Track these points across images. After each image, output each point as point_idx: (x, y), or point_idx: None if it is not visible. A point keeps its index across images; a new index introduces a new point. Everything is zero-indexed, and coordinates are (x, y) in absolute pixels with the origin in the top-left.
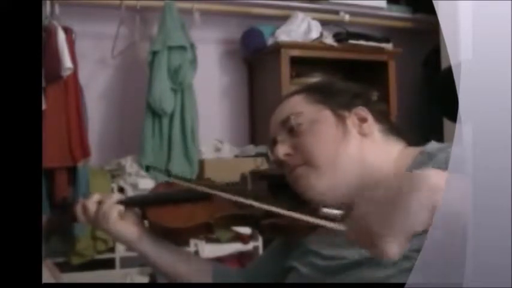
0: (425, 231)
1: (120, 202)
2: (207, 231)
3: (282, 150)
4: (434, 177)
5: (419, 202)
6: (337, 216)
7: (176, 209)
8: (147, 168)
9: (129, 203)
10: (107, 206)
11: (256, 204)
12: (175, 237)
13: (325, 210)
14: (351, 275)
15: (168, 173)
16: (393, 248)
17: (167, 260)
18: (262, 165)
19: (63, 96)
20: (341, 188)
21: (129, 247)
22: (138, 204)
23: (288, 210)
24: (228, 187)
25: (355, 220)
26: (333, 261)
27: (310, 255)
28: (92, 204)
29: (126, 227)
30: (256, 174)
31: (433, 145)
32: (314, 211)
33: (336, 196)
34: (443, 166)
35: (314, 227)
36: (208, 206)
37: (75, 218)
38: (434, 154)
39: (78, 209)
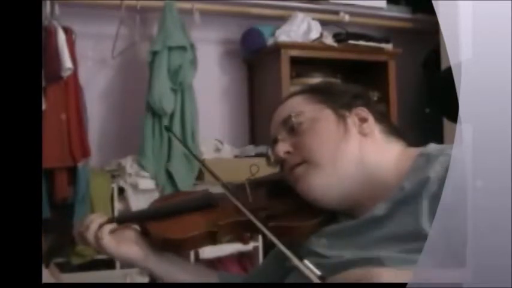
0: None
1: (115, 219)
2: (211, 240)
3: (283, 148)
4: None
5: None
6: (315, 275)
7: (178, 220)
8: (166, 128)
9: (125, 220)
10: (93, 231)
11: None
12: (180, 249)
13: (307, 264)
14: None
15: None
16: None
17: (174, 273)
18: (260, 168)
19: (63, 96)
20: (341, 186)
21: (136, 266)
22: (136, 220)
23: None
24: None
25: None
26: (333, 260)
27: (311, 255)
28: (79, 235)
29: (127, 248)
30: (253, 183)
31: (433, 146)
32: (299, 256)
33: (336, 194)
34: (444, 170)
35: (314, 230)
36: (211, 214)
37: (76, 241)
38: (434, 156)
39: (77, 237)
